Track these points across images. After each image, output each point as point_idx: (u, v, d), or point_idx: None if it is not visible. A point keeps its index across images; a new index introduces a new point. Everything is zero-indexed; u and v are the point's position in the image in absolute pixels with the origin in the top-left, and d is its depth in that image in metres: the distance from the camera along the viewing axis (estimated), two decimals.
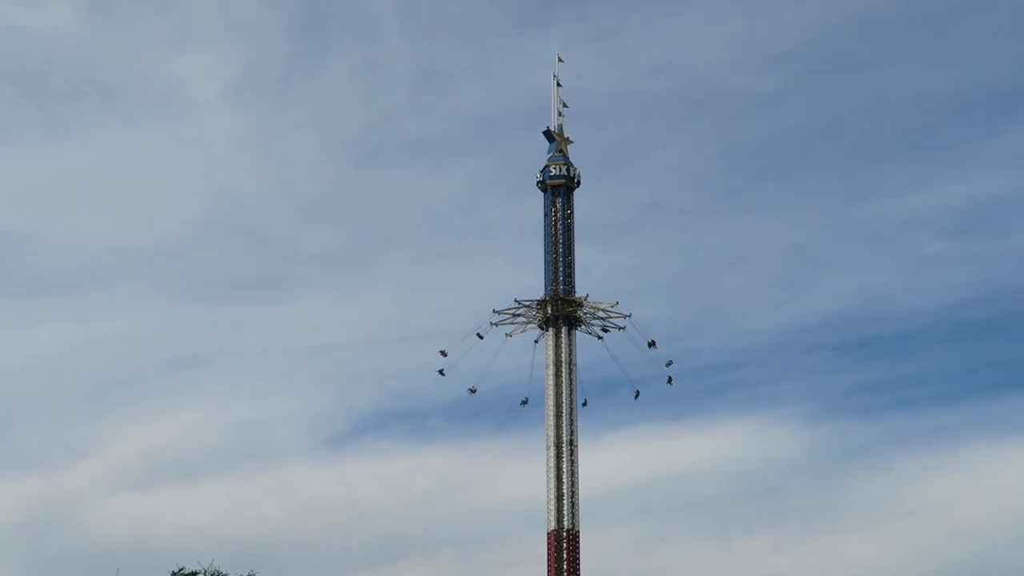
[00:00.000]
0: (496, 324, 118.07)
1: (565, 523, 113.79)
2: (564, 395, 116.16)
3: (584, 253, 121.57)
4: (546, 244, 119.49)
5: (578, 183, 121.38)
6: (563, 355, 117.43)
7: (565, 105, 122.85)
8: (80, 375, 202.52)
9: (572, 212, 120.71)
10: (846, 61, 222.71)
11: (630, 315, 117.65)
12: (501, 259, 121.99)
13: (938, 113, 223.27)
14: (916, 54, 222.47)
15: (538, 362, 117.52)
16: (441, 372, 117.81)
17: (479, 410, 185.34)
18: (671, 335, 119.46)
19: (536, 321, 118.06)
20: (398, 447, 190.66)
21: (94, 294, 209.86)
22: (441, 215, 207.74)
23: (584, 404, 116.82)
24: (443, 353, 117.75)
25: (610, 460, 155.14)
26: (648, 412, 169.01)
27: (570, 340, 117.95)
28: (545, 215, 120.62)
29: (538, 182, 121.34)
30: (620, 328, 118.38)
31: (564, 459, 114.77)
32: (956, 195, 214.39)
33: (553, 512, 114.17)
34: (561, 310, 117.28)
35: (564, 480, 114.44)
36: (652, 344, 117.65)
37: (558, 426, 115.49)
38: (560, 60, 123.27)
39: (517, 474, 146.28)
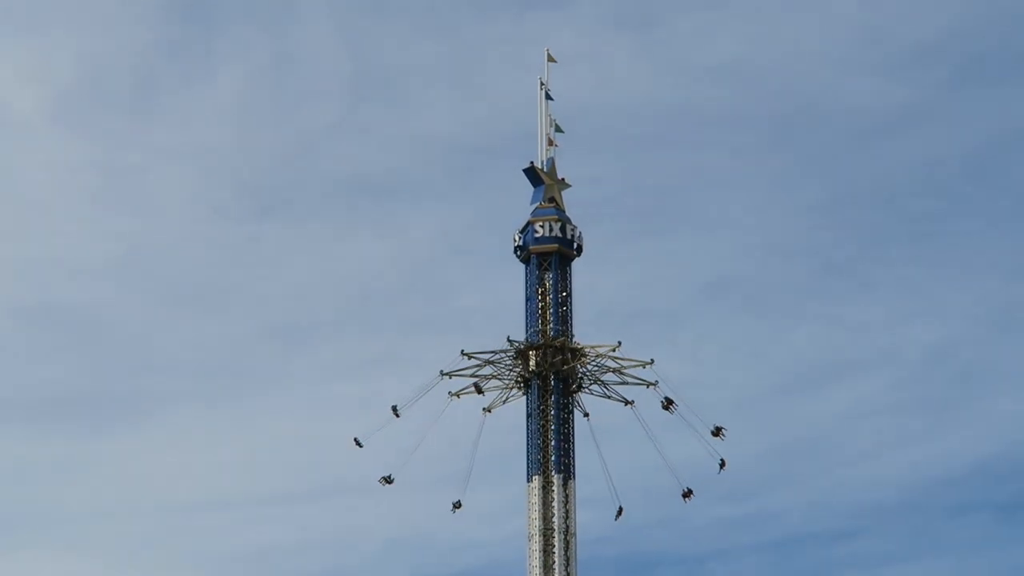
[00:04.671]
0: (448, 374, 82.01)
1: None
2: None
3: None
4: (528, 327, 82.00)
5: (579, 249, 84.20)
6: (556, 517, 78.92)
7: (559, 129, 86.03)
8: None
9: (570, 295, 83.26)
10: (1013, 63, 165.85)
11: (656, 383, 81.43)
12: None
13: None
14: None
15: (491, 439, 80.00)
16: (357, 442, 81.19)
17: None
18: (741, 486, 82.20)
19: (509, 380, 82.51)
20: None
21: None
22: (380, 295, 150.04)
23: None
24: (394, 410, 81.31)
25: None
26: None
27: (566, 489, 79.29)
28: (528, 299, 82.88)
29: (516, 248, 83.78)
30: (628, 402, 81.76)
31: None
32: None
33: None
34: (552, 361, 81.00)
35: None
36: (717, 432, 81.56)
37: None
38: (551, 59, 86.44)
39: None
